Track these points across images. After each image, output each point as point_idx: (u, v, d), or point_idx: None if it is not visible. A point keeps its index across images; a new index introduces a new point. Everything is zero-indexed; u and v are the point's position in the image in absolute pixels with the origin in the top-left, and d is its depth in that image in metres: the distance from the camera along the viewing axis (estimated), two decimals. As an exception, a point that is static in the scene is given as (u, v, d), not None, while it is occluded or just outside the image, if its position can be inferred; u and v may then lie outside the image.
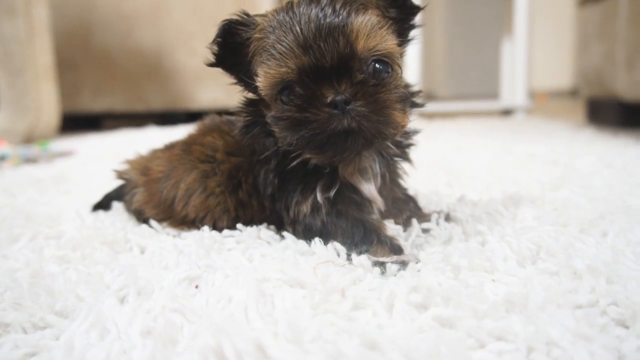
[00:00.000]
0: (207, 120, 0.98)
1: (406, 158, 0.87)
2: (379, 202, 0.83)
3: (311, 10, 0.69)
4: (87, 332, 0.54)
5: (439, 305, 0.57)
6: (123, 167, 1.04)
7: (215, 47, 0.78)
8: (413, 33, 0.81)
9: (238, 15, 0.78)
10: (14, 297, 0.62)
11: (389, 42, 0.72)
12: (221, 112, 1.00)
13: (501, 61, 4.02)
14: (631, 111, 2.54)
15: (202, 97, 3.56)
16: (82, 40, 3.56)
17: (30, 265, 0.75)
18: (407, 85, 0.81)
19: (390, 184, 0.87)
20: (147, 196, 0.95)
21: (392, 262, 0.70)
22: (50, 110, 2.83)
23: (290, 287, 0.63)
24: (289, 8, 0.72)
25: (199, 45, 3.51)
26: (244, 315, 0.56)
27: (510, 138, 2.23)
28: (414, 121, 0.84)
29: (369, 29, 0.69)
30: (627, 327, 0.53)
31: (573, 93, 5.72)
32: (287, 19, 0.70)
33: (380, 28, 0.71)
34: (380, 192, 0.83)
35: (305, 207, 0.79)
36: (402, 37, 0.79)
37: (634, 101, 2.39)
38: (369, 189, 0.81)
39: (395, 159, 0.86)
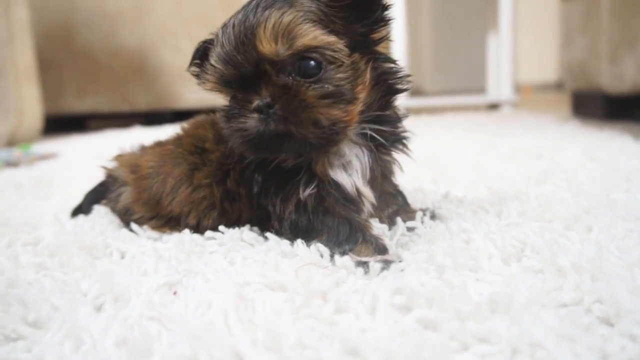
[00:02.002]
0: (201, 117, 0.97)
1: (401, 149, 0.84)
2: (367, 195, 0.81)
3: (236, 18, 0.71)
4: (61, 344, 0.52)
5: (422, 307, 0.56)
6: (112, 164, 1.02)
7: (195, 68, 0.81)
8: (386, 28, 0.77)
9: (214, 35, 0.77)
10: (-14, 307, 0.60)
11: (311, 36, 0.68)
12: (211, 111, 0.99)
13: (487, 56, 4.03)
14: (615, 104, 2.56)
15: (188, 96, 3.53)
16: (64, 40, 3.51)
17: (4, 274, 0.72)
18: (392, 69, 0.78)
19: (381, 179, 0.85)
20: (136, 194, 0.93)
21: (375, 262, 0.69)
22: (32, 112, 2.78)
23: (271, 290, 0.62)
24: (226, 21, 0.73)
25: (183, 44, 3.48)
26: (224, 321, 0.55)
27: (496, 132, 2.23)
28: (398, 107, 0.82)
29: (276, 29, 0.67)
30: (611, 325, 0.53)
31: (558, 86, 5.76)
32: (220, 33, 0.73)
33: (299, 24, 0.67)
34: (371, 185, 0.81)
35: (291, 205, 0.78)
36: (374, 31, 0.75)
37: (618, 94, 2.41)
38: (352, 183, 0.79)
39: (389, 150, 0.83)
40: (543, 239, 0.74)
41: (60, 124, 3.60)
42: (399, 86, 0.80)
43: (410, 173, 0.93)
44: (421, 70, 5.83)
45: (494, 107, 3.95)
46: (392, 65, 0.79)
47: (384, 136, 0.80)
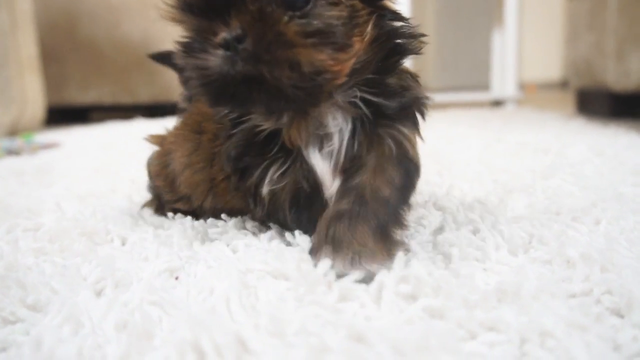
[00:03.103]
0: None
1: (408, 118, 0.68)
2: (330, 184, 0.66)
3: None
4: (60, 327, 0.51)
5: (428, 296, 0.54)
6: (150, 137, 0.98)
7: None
8: None
9: None
10: (-16, 290, 0.59)
11: None
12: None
13: (491, 53, 4.01)
14: (621, 101, 2.54)
15: (190, 89, 3.51)
16: (68, 31, 3.50)
17: (4, 258, 0.71)
18: (401, 28, 0.65)
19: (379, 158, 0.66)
20: (159, 169, 0.92)
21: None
22: (35, 103, 2.77)
23: (274, 278, 0.61)
24: None
25: (187, 37, 3.46)
26: (226, 307, 0.54)
27: (500, 128, 2.21)
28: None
29: None
30: (622, 316, 0.52)
31: (562, 84, 5.73)
32: None
33: None
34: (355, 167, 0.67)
35: (264, 198, 0.71)
36: None
37: (624, 92, 2.39)
38: (327, 168, 0.66)
39: (393, 122, 0.66)
40: (551, 231, 0.73)
41: (62, 115, 3.59)
42: (409, 47, 0.66)
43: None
44: (425, 66, 5.80)
45: (497, 104, 3.93)
46: (402, 23, 0.66)
47: (379, 108, 0.65)
